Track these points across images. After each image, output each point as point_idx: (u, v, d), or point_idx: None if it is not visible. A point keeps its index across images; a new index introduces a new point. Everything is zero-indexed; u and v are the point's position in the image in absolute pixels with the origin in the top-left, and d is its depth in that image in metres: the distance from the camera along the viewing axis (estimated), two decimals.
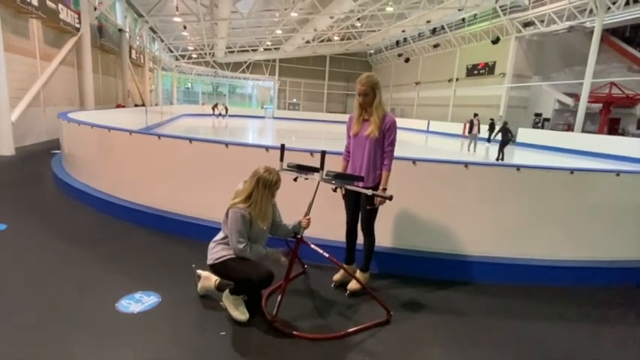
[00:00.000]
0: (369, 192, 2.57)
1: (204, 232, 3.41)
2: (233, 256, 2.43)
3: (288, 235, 2.65)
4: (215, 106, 29.71)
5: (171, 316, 2.44)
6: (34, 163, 7.35)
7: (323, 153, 2.47)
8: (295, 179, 2.67)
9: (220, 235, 2.53)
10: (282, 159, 2.73)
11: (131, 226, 4.04)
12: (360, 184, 2.73)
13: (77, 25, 12.59)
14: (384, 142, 2.72)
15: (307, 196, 2.59)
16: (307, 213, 2.59)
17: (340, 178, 2.57)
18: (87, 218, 4.29)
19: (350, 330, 2.37)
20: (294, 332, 2.30)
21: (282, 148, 2.76)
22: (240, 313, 2.39)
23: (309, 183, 2.63)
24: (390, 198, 2.44)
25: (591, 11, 16.94)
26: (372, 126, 2.70)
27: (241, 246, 2.37)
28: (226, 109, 29.81)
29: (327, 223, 3.17)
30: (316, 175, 2.55)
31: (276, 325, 2.34)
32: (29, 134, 9.80)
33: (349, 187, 2.68)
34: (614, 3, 16.10)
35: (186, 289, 2.76)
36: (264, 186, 2.40)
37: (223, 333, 2.28)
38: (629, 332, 2.63)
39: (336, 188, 2.81)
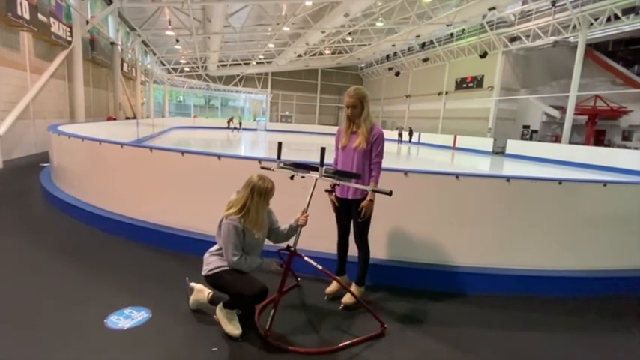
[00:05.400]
0: (368, 192, 2.58)
1: (196, 245, 3.38)
2: (227, 267, 2.40)
3: (287, 239, 2.63)
4: (230, 120, 30.84)
5: (161, 332, 2.39)
6: (23, 177, 7.23)
7: (323, 150, 2.46)
8: (292, 177, 2.65)
9: (216, 247, 2.51)
10: (279, 157, 2.72)
11: (122, 239, 3.98)
12: (351, 191, 2.75)
13: (69, 39, 12.59)
14: (372, 154, 2.75)
15: (302, 198, 2.60)
16: (305, 210, 2.58)
17: (339, 174, 2.58)
18: (76, 232, 4.22)
19: (344, 343, 2.35)
20: (288, 347, 2.27)
21: (279, 146, 2.75)
22: (234, 327, 2.35)
23: (303, 186, 2.63)
24: (390, 193, 2.37)
25: (574, 27, 17.51)
26: (360, 138, 2.73)
27: (235, 258, 2.35)
28: (240, 124, 30.96)
29: (320, 235, 3.16)
30: (313, 174, 2.55)
31: (269, 339, 2.31)
32: (18, 147, 9.68)
33: (346, 187, 2.63)
34: (596, 19, 16.66)
35: (177, 304, 2.71)
36: (259, 194, 2.39)
37: (215, 349, 2.24)
38: (620, 341, 2.65)
39: (332, 191, 2.82)
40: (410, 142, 25.86)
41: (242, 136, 24.84)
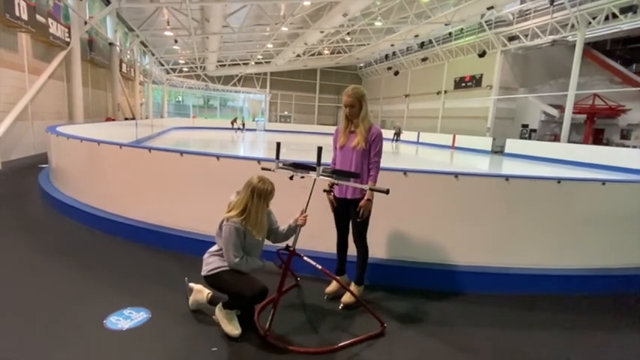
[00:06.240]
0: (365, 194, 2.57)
1: (195, 246, 3.38)
2: (227, 268, 2.40)
3: (286, 239, 2.63)
4: (234, 120, 31.41)
5: (161, 333, 2.39)
6: (22, 178, 7.22)
7: (319, 149, 2.45)
8: (291, 177, 2.64)
9: (215, 247, 2.51)
10: (277, 157, 2.72)
11: (121, 240, 3.97)
12: (349, 191, 2.75)
13: (67, 39, 12.58)
14: (370, 153, 2.74)
15: (302, 198, 2.60)
16: (304, 211, 2.58)
17: (337, 173, 2.58)
18: (75, 233, 4.21)
19: (344, 343, 2.35)
20: (288, 346, 2.27)
21: (278, 146, 2.75)
22: (234, 328, 2.35)
23: (302, 186, 2.63)
24: (387, 192, 2.37)
25: (573, 26, 17.52)
26: (359, 137, 2.73)
27: (237, 260, 2.35)
28: (243, 124, 31.62)
29: (319, 235, 3.15)
30: (312, 174, 2.55)
31: (269, 339, 2.31)
32: (16, 148, 9.66)
33: (345, 187, 2.63)
34: (594, 18, 16.67)
35: (176, 304, 2.71)
36: (259, 196, 2.39)
37: (215, 349, 2.24)
38: (620, 339, 2.65)
39: (330, 191, 2.81)
40: (398, 140, 26.23)
41: (242, 137, 24.99)
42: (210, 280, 2.44)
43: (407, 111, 32.65)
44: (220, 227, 2.42)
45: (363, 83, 38.62)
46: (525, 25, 20.25)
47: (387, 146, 20.75)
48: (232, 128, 30.72)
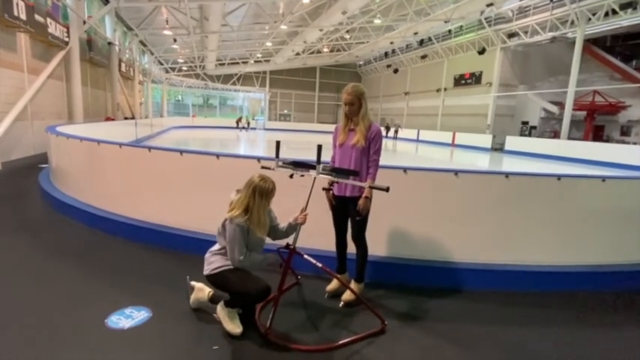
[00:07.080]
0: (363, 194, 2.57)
1: (196, 245, 3.38)
2: (230, 267, 2.41)
3: (286, 237, 2.64)
4: (239, 119, 31.89)
5: (162, 332, 2.39)
6: (22, 178, 7.22)
7: (319, 147, 2.45)
8: (291, 176, 2.63)
9: (217, 246, 2.51)
10: (277, 155, 2.72)
11: (121, 240, 3.98)
12: (349, 189, 2.75)
13: (66, 39, 12.56)
14: (370, 151, 2.74)
15: (302, 197, 2.60)
16: (304, 209, 2.58)
17: (337, 171, 2.58)
18: (76, 233, 4.22)
19: (344, 340, 2.35)
20: (289, 344, 2.28)
21: (278, 144, 2.75)
22: (235, 326, 2.36)
23: (302, 185, 2.63)
24: (387, 189, 2.37)
25: (572, 22, 17.48)
26: (358, 135, 2.73)
27: (241, 257, 2.37)
28: (248, 123, 32.20)
29: (319, 233, 3.15)
30: (312, 172, 2.54)
31: (270, 337, 2.31)
32: (16, 148, 9.66)
33: (344, 185, 2.64)
34: (594, 14, 16.63)
35: (177, 303, 2.71)
36: (261, 195, 2.39)
37: (216, 347, 2.24)
38: (620, 336, 2.65)
39: (329, 189, 2.81)
40: (389, 137, 26.41)
41: (247, 135, 25.06)
42: (213, 279, 2.45)
43: (407, 109, 32.62)
44: (223, 226, 2.42)
45: (362, 81, 38.58)
46: (525, 22, 20.22)
47: (385, 144, 21.14)
48: (237, 127, 30.91)
